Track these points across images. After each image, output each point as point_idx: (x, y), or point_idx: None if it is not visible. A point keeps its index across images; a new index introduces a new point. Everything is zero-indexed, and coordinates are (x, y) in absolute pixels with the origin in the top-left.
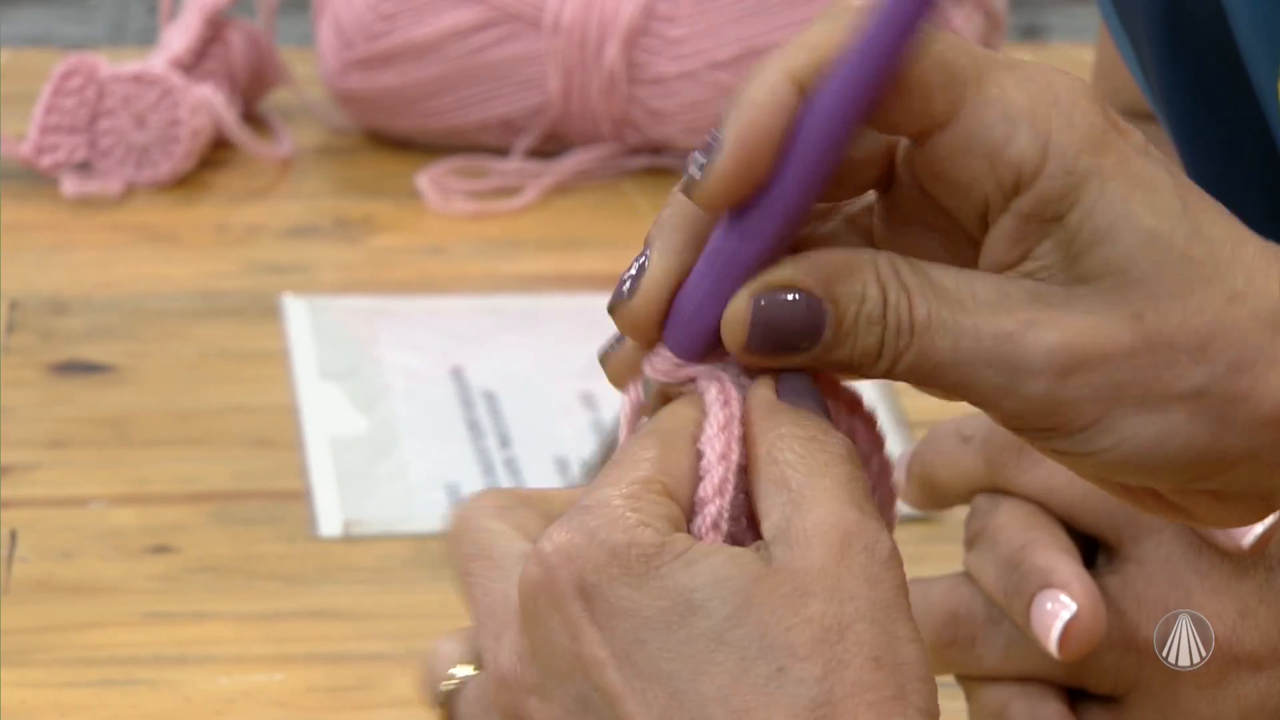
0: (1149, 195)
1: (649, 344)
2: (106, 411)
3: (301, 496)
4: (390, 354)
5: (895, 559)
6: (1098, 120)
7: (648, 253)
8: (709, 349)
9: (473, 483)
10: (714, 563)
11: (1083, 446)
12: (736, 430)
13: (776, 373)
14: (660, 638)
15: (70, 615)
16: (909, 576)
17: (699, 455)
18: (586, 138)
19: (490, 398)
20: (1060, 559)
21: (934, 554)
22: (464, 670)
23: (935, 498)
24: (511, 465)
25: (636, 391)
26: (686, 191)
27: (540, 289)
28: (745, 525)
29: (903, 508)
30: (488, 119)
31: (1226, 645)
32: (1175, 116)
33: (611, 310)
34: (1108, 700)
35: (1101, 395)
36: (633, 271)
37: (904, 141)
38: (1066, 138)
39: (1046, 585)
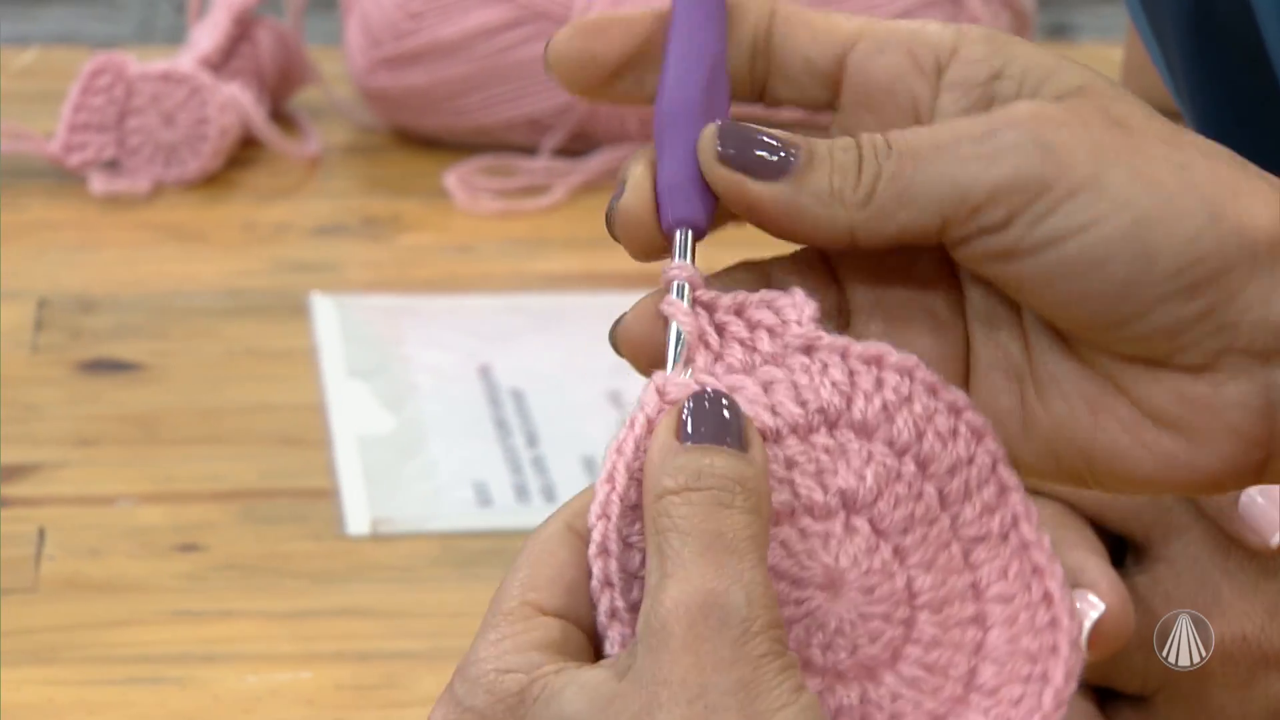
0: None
1: (649, 243)
2: (134, 410)
3: (329, 495)
4: (418, 352)
5: (753, 614)
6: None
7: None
8: (706, 209)
9: (500, 481)
10: (568, 695)
11: (1079, 205)
12: (614, 546)
13: (688, 401)
14: None
15: (98, 613)
16: None
17: (576, 546)
18: (614, 136)
19: (518, 396)
20: (1089, 558)
21: None
22: None
23: None
24: (539, 464)
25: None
26: (609, 224)
27: (567, 288)
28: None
29: None
30: (515, 118)
31: (1255, 644)
32: (1202, 116)
33: (608, 220)
34: (1136, 699)
35: (1090, 149)
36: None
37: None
38: (973, 29)
39: (1075, 585)
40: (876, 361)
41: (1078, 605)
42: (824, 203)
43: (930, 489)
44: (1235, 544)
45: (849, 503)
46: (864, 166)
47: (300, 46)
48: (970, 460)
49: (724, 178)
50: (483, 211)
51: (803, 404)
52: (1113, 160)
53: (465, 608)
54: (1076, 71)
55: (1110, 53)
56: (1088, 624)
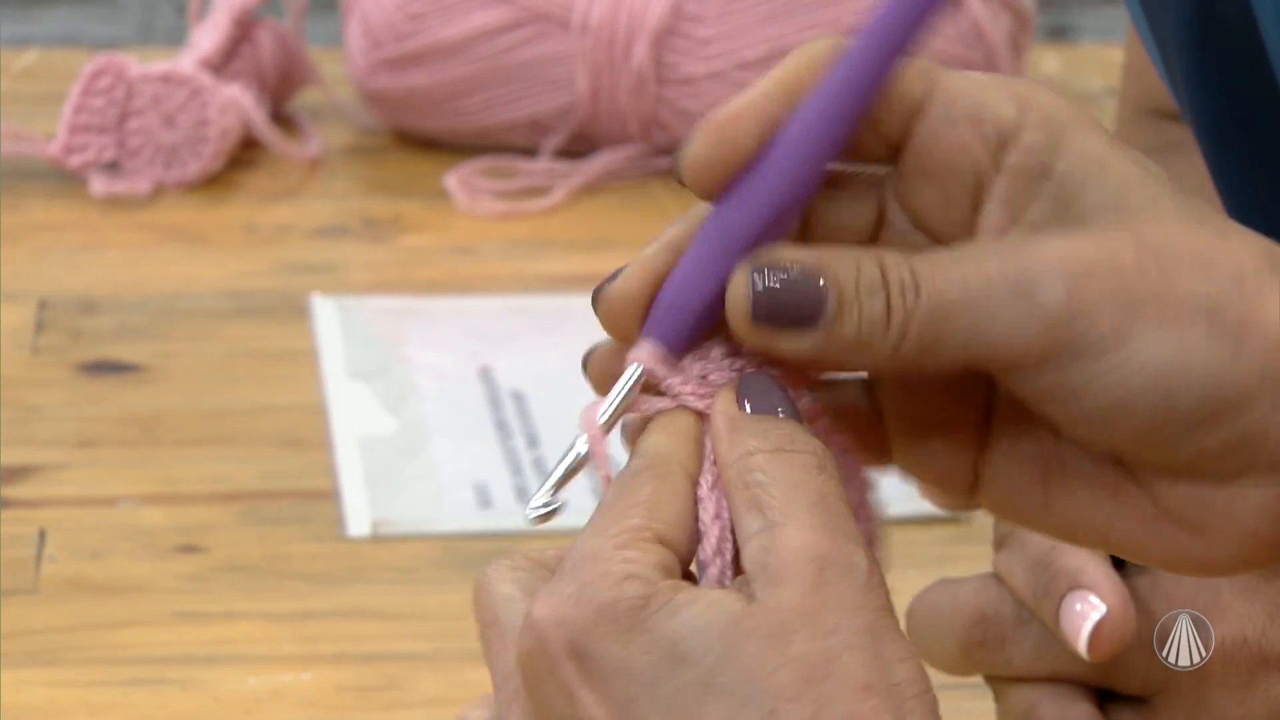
0: (1129, 150)
1: (627, 336)
2: (135, 411)
3: (330, 496)
4: (419, 354)
5: (874, 576)
6: (1064, 99)
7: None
8: (693, 336)
9: (501, 482)
10: (696, 610)
11: (1106, 366)
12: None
13: (739, 382)
14: (650, 692)
15: (99, 615)
16: (939, 577)
17: (694, 488)
18: (614, 138)
19: (518, 398)
20: (1089, 560)
21: (962, 555)
22: None
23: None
24: (539, 465)
25: (594, 418)
26: (675, 172)
27: (568, 289)
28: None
29: (932, 508)
30: (516, 119)
31: (1256, 646)
32: (1202, 119)
33: (594, 299)
34: (1137, 701)
35: (1118, 303)
36: (619, 270)
37: (887, 177)
38: (1039, 99)
39: (1076, 586)
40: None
41: (1078, 607)
42: (851, 351)
43: None
44: None
45: None
46: (892, 315)
47: (301, 48)
48: None
49: (754, 337)
50: (483, 213)
51: None
52: (1140, 314)
53: (466, 609)
54: (1117, 171)
55: (1110, 53)
56: (1088, 625)
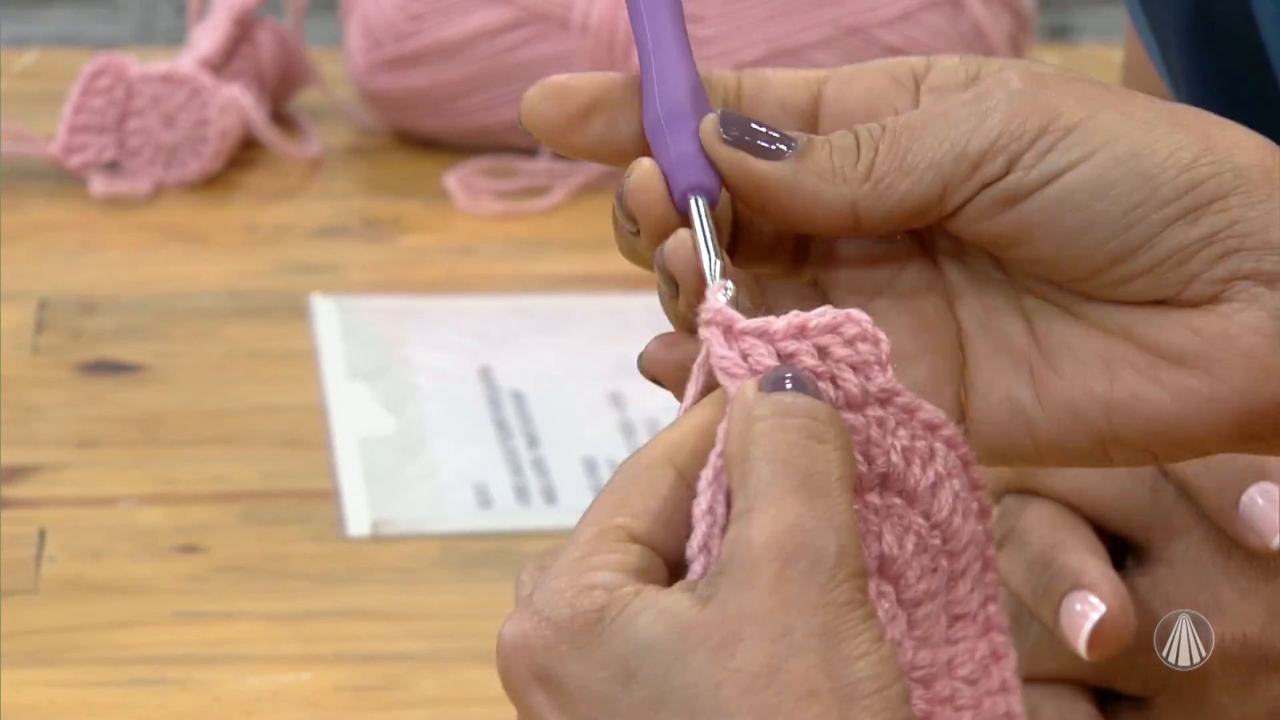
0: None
1: (662, 216)
2: (135, 411)
3: (330, 496)
4: (419, 354)
5: (842, 568)
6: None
7: None
8: (712, 175)
9: (500, 482)
10: (647, 619)
11: (1078, 145)
12: (725, 481)
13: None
14: (609, 711)
15: (99, 615)
16: None
17: (685, 483)
18: None
19: (518, 398)
20: (1089, 560)
21: None
22: None
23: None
24: (539, 465)
25: (696, 381)
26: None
27: (568, 289)
28: None
29: None
30: (516, 119)
31: (1256, 646)
32: None
33: (619, 199)
34: (1137, 701)
35: (1078, 97)
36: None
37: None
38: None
39: (1075, 586)
40: (933, 429)
41: (1078, 607)
42: (826, 179)
43: (944, 564)
44: (1236, 546)
45: (884, 567)
46: (862, 146)
47: (301, 48)
48: (973, 540)
49: (728, 155)
50: (483, 213)
51: (870, 462)
52: (1101, 105)
53: (466, 609)
54: (1054, 65)
55: (1110, 53)
56: (1088, 625)
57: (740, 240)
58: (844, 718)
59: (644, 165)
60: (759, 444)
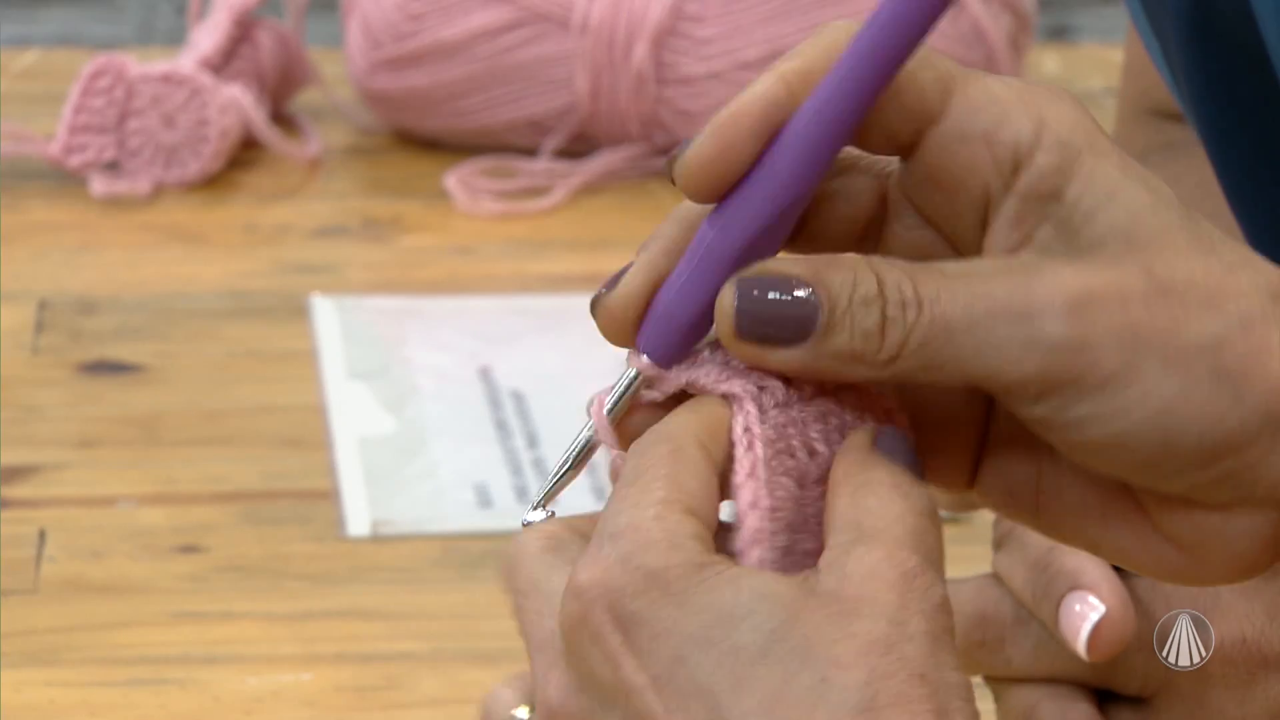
0: (1142, 175)
1: (625, 344)
2: (135, 411)
3: (330, 496)
4: (418, 354)
5: (947, 608)
6: (1083, 113)
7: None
8: (682, 348)
9: (501, 483)
10: (760, 580)
11: (1106, 401)
12: (763, 472)
13: (878, 426)
14: (701, 653)
15: (99, 615)
16: None
17: (711, 465)
18: (614, 138)
19: (518, 398)
20: (1089, 560)
21: (962, 555)
22: (523, 712)
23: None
24: (539, 465)
25: (601, 408)
26: (668, 171)
27: (568, 289)
28: (789, 561)
29: None
30: (516, 119)
31: (1255, 647)
32: (1204, 117)
33: (592, 307)
34: (1136, 701)
35: (1123, 339)
36: (618, 274)
37: (894, 167)
38: (1056, 118)
39: (1075, 587)
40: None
41: (1078, 608)
42: (844, 363)
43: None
44: None
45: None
46: (888, 329)
47: (301, 48)
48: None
49: (743, 352)
50: (483, 213)
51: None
52: (1144, 350)
53: (466, 609)
54: (1128, 198)
55: (1110, 53)
56: (1088, 626)
57: (800, 235)
58: (943, 708)
59: (628, 291)
60: (878, 496)
